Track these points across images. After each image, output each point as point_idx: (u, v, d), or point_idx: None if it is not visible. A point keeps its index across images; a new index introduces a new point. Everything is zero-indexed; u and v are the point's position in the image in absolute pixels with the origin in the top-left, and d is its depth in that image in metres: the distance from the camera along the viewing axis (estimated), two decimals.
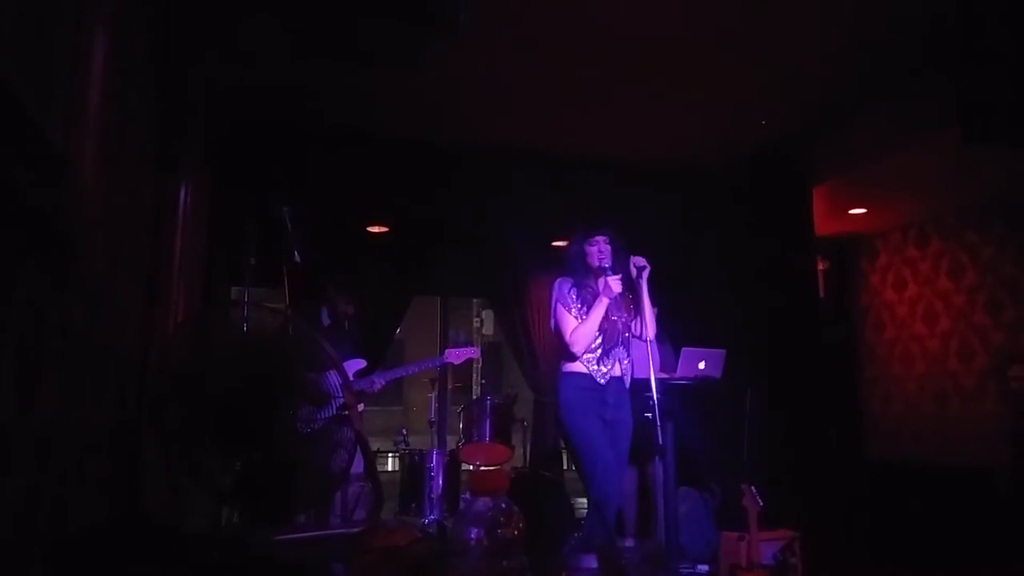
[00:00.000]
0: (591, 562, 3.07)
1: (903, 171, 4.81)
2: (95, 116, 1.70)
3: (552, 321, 3.42)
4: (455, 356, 4.43)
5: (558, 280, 3.43)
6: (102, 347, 2.02)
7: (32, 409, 1.42)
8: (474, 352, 4.68)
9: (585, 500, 5.06)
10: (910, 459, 5.61)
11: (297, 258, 3.16)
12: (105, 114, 1.80)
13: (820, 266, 5.80)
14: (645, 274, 3.33)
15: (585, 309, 3.33)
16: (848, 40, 3.68)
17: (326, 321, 4.18)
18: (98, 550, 1.69)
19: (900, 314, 6.01)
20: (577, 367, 3.33)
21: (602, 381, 3.32)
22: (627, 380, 3.43)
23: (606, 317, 3.32)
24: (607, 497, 3.21)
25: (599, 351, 3.35)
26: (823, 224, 5.33)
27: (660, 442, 3.11)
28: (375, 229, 5.38)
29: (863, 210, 5.63)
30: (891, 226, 6.05)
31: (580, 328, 3.30)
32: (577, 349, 3.30)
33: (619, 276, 3.28)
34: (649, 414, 3.13)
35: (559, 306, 3.36)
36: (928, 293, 5.79)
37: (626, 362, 3.42)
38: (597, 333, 3.32)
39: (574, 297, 3.36)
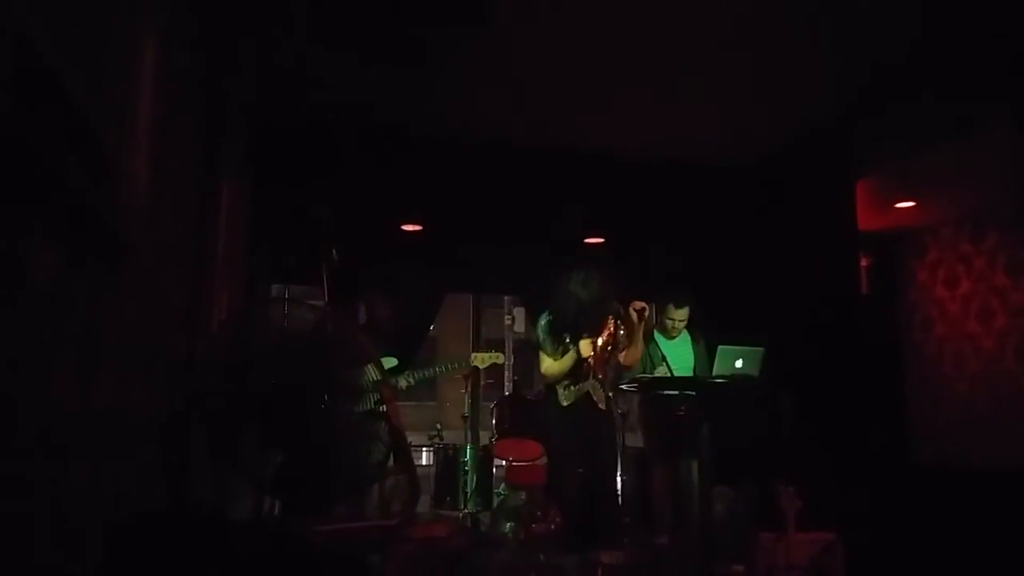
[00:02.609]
0: (622, 557, 3.07)
1: (956, 162, 4.56)
2: (146, 120, 1.76)
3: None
4: None
5: (544, 316, 3.84)
6: (151, 342, 2.10)
7: (90, 401, 1.49)
8: None
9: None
10: (960, 463, 5.40)
11: (335, 256, 3.21)
12: (155, 118, 1.86)
13: (863, 262, 5.65)
14: (645, 314, 3.75)
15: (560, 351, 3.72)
16: (897, 24, 3.54)
17: (363, 318, 4.25)
18: (147, 536, 1.75)
19: (952, 312, 5.77)
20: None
21: (564, 403, 3.72)
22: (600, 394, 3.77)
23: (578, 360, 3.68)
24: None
25: (566, 381, 3.74)
26: (867, 219, 5.17)
27: (694, 441, 3.10)
28: (409, 227, 5.44)
29: (911, 203, 5.42)
30: (942, 220, 5.78)
31: (552, 367, 3.74)
32: (547, 381, 3.80)
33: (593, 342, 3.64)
34: (682, 411, 3.12)
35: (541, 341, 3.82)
36: (983, 290, 5.53)
37: (597, 384, 3.76)
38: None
39: (551, 339, 3.76)
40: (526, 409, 4.58)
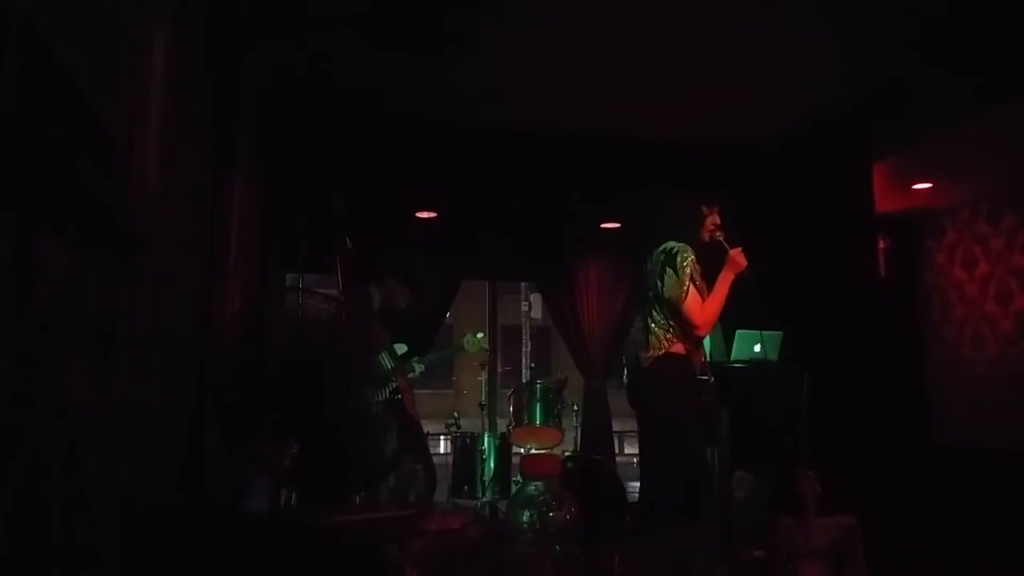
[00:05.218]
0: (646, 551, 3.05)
1: (975, 143, 4.55)
2: (156, 112, 1.75)
3: (676, 293, 2.93)
4: None
5: (678, 245, 2.97)
6: (165, 335, 2.10)
7: (105, 396, 1.49)
8: None
9: (637, 484, 5.05)
10: (982, 446, 5.38)
11: (349, 244, 3.19)
12: (165, 109, 1.85)
13: (881, 245, 5.59)
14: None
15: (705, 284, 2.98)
16: (916, 5, 3.47)
17: (376, 305, 4.24)
18: (163, 530, 1.76)
19: (970, 294, 5.74)
20: (679, 350, 2.99)
21: (700, 372, 3.06)
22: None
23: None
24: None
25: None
26: (884, 200, 5.12)
27: (715, 426, 3.07)
28: (424, 214, 5.42)
29: (928, 185, 5.39)
30: (960, 201, 5.78)
31: (709, 306, 2.95)
32: (703, 332, 2.97)
33: (740, 248, 2.98)
34: (708, 399, 3.09)
35: (686, 278, 2.89)
36: (1001, 271, 5.51)
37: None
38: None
39: (697, 269, 2.94)
40: (546, 396, 4.55)
